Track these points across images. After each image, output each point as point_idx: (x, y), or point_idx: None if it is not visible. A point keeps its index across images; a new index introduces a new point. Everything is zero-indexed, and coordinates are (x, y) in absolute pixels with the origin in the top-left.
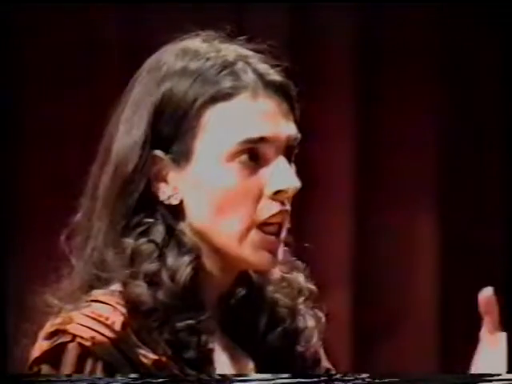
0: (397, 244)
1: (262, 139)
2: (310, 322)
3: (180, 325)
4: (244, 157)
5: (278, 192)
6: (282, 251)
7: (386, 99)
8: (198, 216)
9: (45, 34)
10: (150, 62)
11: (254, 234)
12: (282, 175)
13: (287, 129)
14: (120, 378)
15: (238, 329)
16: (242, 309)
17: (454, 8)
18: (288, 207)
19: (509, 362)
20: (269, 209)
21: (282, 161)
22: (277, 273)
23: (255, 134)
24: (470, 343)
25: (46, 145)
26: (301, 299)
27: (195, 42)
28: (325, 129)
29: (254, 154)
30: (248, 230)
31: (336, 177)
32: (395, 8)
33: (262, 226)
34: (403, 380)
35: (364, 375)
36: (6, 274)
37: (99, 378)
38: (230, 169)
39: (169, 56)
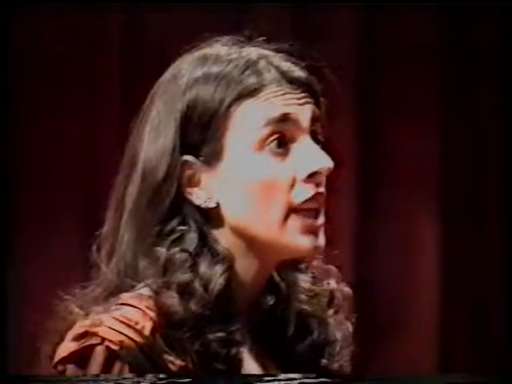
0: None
1: (285, 117)
2: (338, 335)
3: (211, 336)
4: (273, 144)
5: (310, 175)
6: (323, 236)
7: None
8: (236, 212)
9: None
10: (169, 73)
11: (293, 220)
12: (311, 157)
13: (310, 110)
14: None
15: (266, 339)
16: (271, 319)
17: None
18: (323, 189)
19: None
20: (303, 193)
21: (308, 142)
22: (306, 282)
23: (278, 113)
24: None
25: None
26: (330, 311)
27: (215, 48)
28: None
29: (281, 139)
30: (287, 216)
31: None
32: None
33: (300, 211)
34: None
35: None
36: (7, 274)
37: (124, 378)
38: (261, 158)
39: (188, 65)
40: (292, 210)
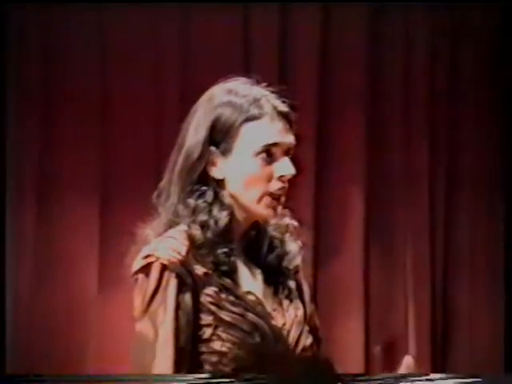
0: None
1: (275, 144)
2: (293, 248)
3: (219, 252)
4: (263, 155)
5: (281, 176)
6: (280, 209)
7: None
8: (234, 187)
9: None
10: (207, 95)
11: (265, 200)
12: (284, 167)
13: (289, 139)
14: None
15: (251, 253)
16: (254, 242)
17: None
18: (286, 185)
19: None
20: (276, 185)
21: (285, 159)
22: (274, 220)
23: (271, 141)
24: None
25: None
26: (287, 235)
27: (235, 85)
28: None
29: (269, 153)
30: (262, 197)
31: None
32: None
33: (271, 195)
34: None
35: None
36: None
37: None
38: (255, 161)
39: (219, 92)
40: (267, 194)
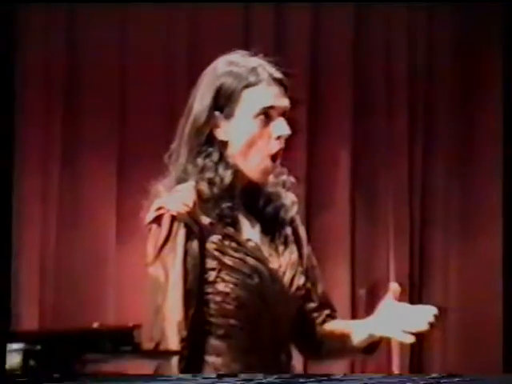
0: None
1: (271, 107)
2: (288, 201)
3: (223, 205)
4: (261, 116)
5: (278, 137)
6: (277, 168)
7: None
8: (237, 148)
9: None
10: (211, 67)
11: (265, 160)
12: (280, 127)
13: (284, 102)
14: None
15: (251, 206)
16: (253, 196)
17: None
18: (283, 145)
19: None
20: (273, 147)
21: (281, 120)
22: (272, 177)
23: (268, 104)
24: None
25: None
26: (283, 190)
27: (236, 56)
28: None
29: (267, 115)
30: (262, 157)
31: None
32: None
33: (270, 155)
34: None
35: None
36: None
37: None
38: (254, 122)
39: (221, 64)
40: (266, 154)
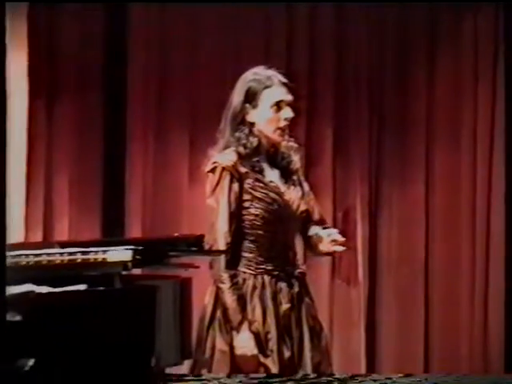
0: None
1: (281, 101)
2: (295, 158)
3: (254, 160)
4: (275, 107)
5: (286, 118)
6: (286, 137)
7: None
8: (260, 126)
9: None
10: (243, 76)
11: (278, 131)
12: (287, 113)
13: (289, 97)
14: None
15: (272, 160)
16: (273, 154)
17: None
18: (288, 123)
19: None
20: (283, 123)
21: (287, 108)
22: (283, 143)
23: (279, 98)
24: None
25: None
26: (292, 151)
27: (258, 69)
28: None
29: (278, 105)
30: (276, 130)
31: None
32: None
33: (280, 128)
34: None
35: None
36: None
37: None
38: (271, 110)
39: (249, 74)
40: (278, 128)
